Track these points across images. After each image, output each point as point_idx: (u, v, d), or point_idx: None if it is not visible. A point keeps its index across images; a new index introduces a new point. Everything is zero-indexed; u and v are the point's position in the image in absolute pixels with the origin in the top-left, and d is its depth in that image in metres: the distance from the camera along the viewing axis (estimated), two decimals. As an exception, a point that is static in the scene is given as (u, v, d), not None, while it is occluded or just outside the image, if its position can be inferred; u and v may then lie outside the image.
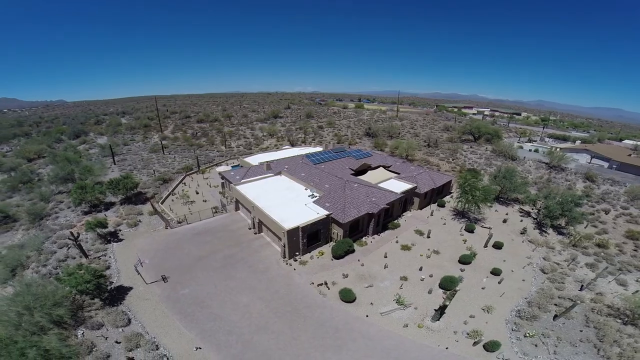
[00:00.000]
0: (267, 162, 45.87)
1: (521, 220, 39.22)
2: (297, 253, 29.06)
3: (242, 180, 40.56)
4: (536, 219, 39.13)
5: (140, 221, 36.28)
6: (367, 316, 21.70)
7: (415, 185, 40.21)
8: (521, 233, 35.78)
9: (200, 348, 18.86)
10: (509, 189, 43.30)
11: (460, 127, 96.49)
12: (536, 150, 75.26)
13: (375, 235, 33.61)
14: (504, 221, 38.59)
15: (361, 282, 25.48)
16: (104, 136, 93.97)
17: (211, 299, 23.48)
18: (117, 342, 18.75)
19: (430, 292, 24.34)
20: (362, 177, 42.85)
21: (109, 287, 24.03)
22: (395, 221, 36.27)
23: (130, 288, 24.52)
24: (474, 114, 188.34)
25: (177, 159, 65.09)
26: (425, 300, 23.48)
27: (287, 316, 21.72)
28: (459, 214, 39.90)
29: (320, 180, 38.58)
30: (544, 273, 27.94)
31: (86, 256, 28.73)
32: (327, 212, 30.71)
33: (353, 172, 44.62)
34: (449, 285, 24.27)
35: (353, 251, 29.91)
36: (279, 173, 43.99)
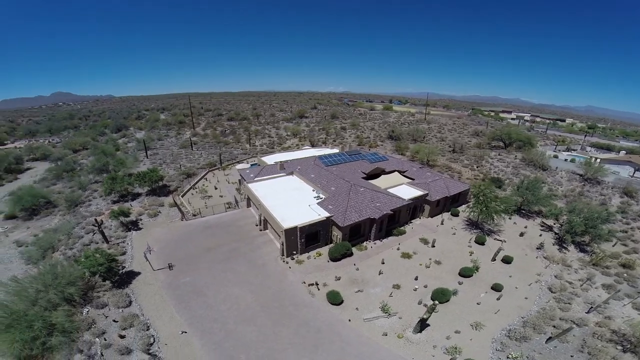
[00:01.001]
0: (280, 162, 47.14)
1: (540, 235, 36.79)
2: (295, 252, 29.85)
3: (255, 179, 42.14)
4: (557, 234, 36.55)
5: (160, 212, 39.15)
6: (349, 320, 21.91)
7: (427, 192, 39.23)
8: (537, 248, 33.65)
9: (185, 332, 20.34)
10: (532, 202, 40.74)
11: (490, 132, 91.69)
12: (572, 160, 69.55)
13: (377, 240, 33.41)
14: (521, 234, 36.46)
15: (352, 286, 25.65)
16: (142, 131, 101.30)
17: (208, 288, 25.01)
18: (114, 320, 20.78)
19: (420, 302, 23.92)
20: (373, 181, 42.60)
21: (120, 271, 26.46)
22: (402, 228, 35.76)
23: (139, 273, 26.80)
24: (512, 119, 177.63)
25: (204, 155, 68.70)
26: (413, 311, 23.10)
27: (273, 311, 22.58)
28: (472, 224, 38.30)
29: (327, 182, 39.03)
30: (551, 292, 26.15)
31: (107, 242, 31.69)
32: (327, 215, 31.16)
33: (365, 175, 44.45)
34: (440, 297, 23.66)
35: (351, 254, 30.09)
36: (291, 173, 45.07)
